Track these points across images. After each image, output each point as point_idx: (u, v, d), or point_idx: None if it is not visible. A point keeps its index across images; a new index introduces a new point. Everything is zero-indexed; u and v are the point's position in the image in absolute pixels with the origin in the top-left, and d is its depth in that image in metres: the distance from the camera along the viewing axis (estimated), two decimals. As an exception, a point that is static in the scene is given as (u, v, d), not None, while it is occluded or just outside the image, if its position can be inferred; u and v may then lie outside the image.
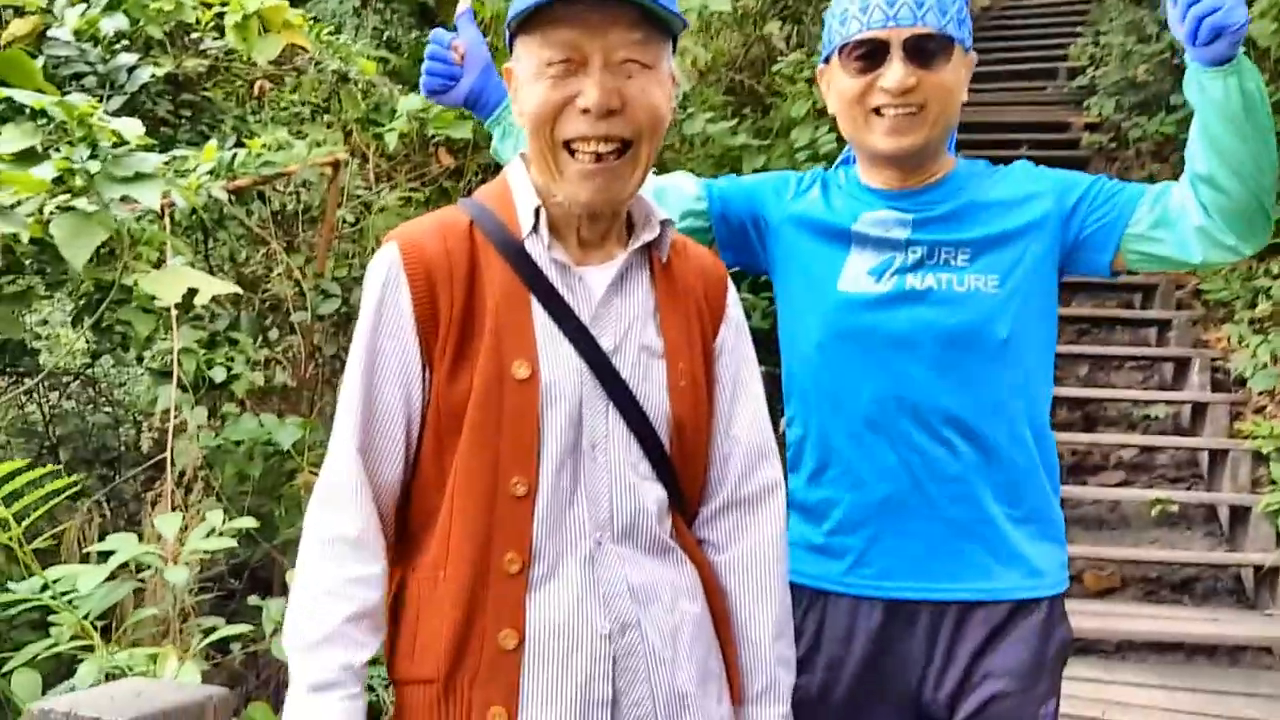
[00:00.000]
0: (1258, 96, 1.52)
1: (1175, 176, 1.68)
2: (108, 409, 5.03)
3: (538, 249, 1.41)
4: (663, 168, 5.73)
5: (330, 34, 3.54)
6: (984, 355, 1.67)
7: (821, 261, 1.76)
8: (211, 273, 3.79)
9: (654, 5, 1.32)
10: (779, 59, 6.46)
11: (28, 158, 2.64)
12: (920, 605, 1.69)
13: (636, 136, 1.37)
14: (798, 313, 1.80)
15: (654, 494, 1.43)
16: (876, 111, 1.66)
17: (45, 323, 4.98)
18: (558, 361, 1.38)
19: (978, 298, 1.67)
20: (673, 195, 1.85)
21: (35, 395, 4.60)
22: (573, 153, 1.36)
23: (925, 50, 1.62)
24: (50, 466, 2.01)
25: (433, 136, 3.67)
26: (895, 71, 1.62)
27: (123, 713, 1.12)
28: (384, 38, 5.02)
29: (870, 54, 1.64)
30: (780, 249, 1.83)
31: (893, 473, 1.69)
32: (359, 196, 4.07)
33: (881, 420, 1.69)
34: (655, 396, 1.43)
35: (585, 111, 1.33)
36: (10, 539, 1.74)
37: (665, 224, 1.47)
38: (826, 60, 1.74)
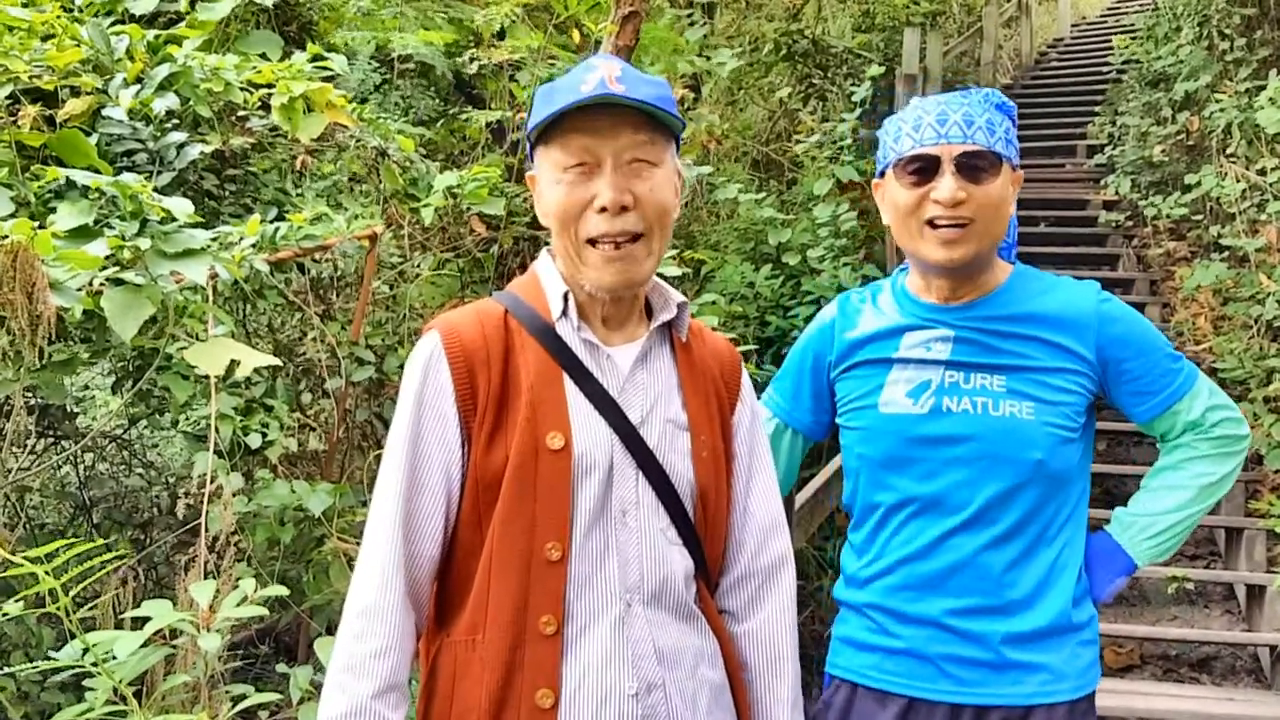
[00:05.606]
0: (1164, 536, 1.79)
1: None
2: (140, 471, 5.11)
3: (567, 331, 1.51)
4: (690, 240, 5.79)
5: (374, 116, 3.66)
6: (1016, 472, 1.72)
7: (864, 381, 1.84)
8: (250, 339, 3.89)
9: (655, 109, 1.45)
10: (802, 133, 6.59)
11: (81, 234, 2.74)
12: (937, 704, 1.74)
13: (648, 230, 1.49)
14: (847, 424, 1.89)
15: (681, 560, 1.50)
16: (930, 224, 1.72)
17: (87, 388, 5.08)
18: (589, 432, 1.46)
19: (1013, 423, 1.72)
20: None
21: (72, 457, 4.69)
22: (594, 244, 1.48)
23: (975, 166, 1.69)
24: (98, 541, 2.07)
25: (467, 208, 3.77)
26: (947, 184, 1.69)
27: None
28: (408, 107, 5.17)
29: (923, 169, 1.71)
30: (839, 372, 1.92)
31: (918, 582, 1.75)
32: (393, 265, 4.17)
33: (914, 524, 1.76)
34: (680, 466, 1.51)
35: (602, 210, 1.45)
36: (59, 608, 1.80)
37: (681, 306, 1.58)
38: (881, 174, 1.82)
